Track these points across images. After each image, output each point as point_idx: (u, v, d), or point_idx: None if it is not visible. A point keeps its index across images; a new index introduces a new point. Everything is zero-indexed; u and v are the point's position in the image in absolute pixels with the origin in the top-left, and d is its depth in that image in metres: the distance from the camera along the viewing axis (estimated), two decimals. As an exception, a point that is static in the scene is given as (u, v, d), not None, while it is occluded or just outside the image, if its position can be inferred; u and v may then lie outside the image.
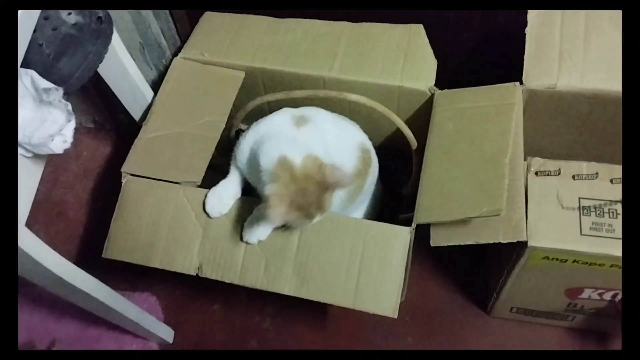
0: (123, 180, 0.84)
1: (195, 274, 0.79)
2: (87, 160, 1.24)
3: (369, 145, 0.92)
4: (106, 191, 1.18)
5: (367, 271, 0.77)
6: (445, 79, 0.91)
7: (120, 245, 0.82)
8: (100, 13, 0.67)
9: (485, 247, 0.78)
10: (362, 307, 0.76)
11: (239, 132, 0.98)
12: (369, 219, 0.87)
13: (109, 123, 1.27)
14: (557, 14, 0.87)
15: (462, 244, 0.75)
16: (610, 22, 0.85)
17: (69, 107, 0.63)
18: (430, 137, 0.84)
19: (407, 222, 0.79)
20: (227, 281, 0.79)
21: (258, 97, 0.91)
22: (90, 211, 1.18)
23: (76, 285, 0.74)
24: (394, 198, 1.01)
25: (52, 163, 1.20)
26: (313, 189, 0.72)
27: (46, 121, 0.60)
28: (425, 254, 1.04)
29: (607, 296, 0.85)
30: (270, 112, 0.89)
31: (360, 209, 0.97)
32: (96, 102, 1.22)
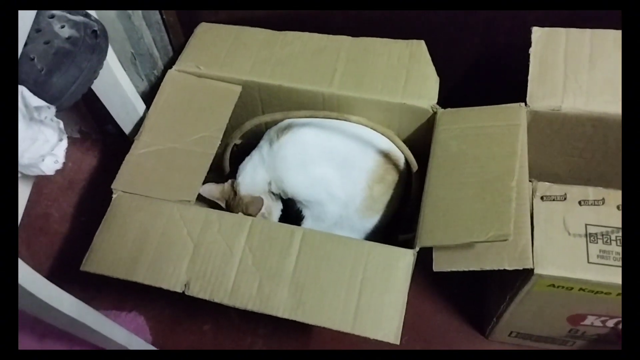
0: (114, 196, 0.80)
1: (181, 291, 0.75)
2: (73, 172, 1.19)
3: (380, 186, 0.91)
4: (92, 205, 1.14)
5: (367, 294, 0.73)
6: (445, 97, 0.89)
7: (102, 258, 0.77)
8: (96, 26, 0.64)
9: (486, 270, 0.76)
10: (362, 332, 0.72)
11: (235, 147, 0.96)
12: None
13: (96, 133, 1.23)
14: (561, 34, 0.85)
15: (466, 269, 0.73)
16: (615, 43, 0.84)
17: (61, 125, 0.59)
18: (433, 157, 0.82)
19: (406, 243, 0.76)
20: (216, 301, 0.74)
21: (254, 115, 0.88)
22: (75, 225, 1.14)
23: (57, 308, 0.70)
24: (393, 218, 0.99)
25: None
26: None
27: (37, 140, 0.56)
28: (422, 273, 1.00)
29: (610, 323, 0.83)
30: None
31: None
32: (83, 112, 1.18)
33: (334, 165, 0.88)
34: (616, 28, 0.84)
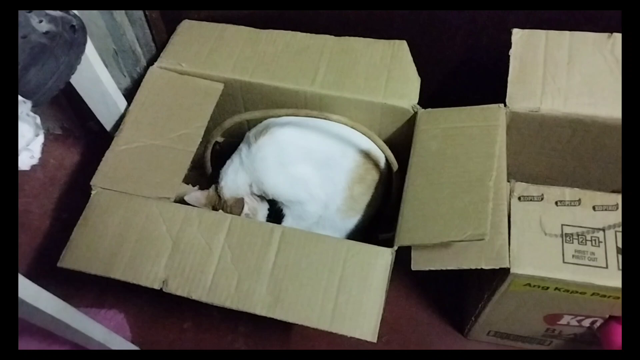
0: (93, 192, 0.80)
1: (159, 288, 0.74)
2: (54, 169, 1.18)
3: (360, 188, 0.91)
4: (73, 202, 1.13)
5: (346, 292, 0.74)
6: (427, 97, 0.90)
7: (80, 255, 0.77)
8: (74, 22, 0.63)
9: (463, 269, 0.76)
10: (339, 330, 0.73)
11: (216, 145, 0.96)
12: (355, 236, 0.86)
13: (78, 130, 1.22)
14: (541, 36, 0.86)
15: (443, 268, 0.73)
16: (594, 45, 0.85)
17: (38, 120, 0.59)
18: (412, 157, 0.83)
19: (386, 242, 0.77)
20: (194, 298, 0.74)
21: (236, 113, 0.88)
22: (55, 222, 1.13)
23: (36, 306, 0.69)
24: (373, 217, 0.99)
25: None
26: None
27: (12, 135, 0.56)
28: (401, 273, 1.02)
29: (586, 323, 0.84)
30: (249, 129, 0.86)
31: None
32: (65, 108, 1.17)
33: (313, 165, 0.88)
34: (598, 31, 0.85)
